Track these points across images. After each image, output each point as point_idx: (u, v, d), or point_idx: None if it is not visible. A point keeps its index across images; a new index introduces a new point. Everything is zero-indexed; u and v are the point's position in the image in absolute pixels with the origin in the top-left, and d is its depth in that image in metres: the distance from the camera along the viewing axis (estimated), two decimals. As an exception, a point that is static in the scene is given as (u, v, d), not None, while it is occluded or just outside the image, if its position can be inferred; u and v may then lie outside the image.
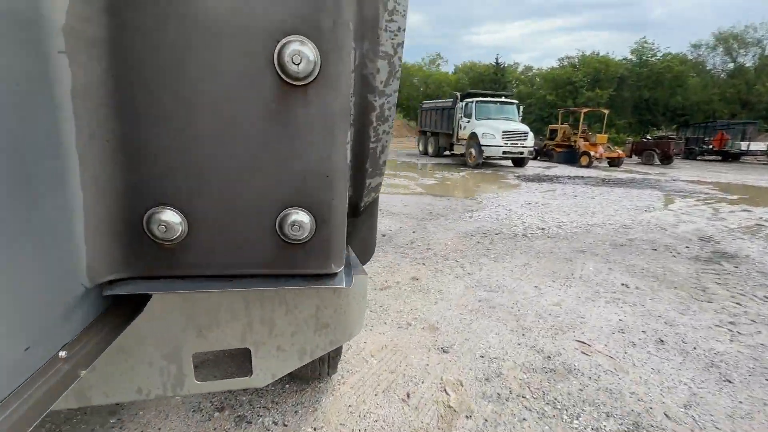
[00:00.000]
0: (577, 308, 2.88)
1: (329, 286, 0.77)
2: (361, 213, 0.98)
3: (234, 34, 0.60)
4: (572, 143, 16.45)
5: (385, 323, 2.56)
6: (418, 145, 19.13)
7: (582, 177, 11.69)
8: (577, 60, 38.81)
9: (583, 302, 2.99)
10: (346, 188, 0.75)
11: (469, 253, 4.13)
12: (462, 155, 14.74)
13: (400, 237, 4.64)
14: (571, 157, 16.13)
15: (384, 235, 4.67)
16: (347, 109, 0.69)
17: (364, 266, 1.15)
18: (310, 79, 0.64)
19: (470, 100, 14.83)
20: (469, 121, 14.41)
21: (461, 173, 11.78)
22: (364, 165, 0.83)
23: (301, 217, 0.72)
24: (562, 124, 17.90)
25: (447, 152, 16.80)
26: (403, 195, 7.61)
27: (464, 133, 14.53)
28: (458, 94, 16.04)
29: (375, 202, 1.00)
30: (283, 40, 0.61)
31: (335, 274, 0.81)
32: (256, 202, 0.70)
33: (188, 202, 0.69)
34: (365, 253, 1.07)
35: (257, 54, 0.62)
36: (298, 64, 0.61)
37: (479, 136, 13.26)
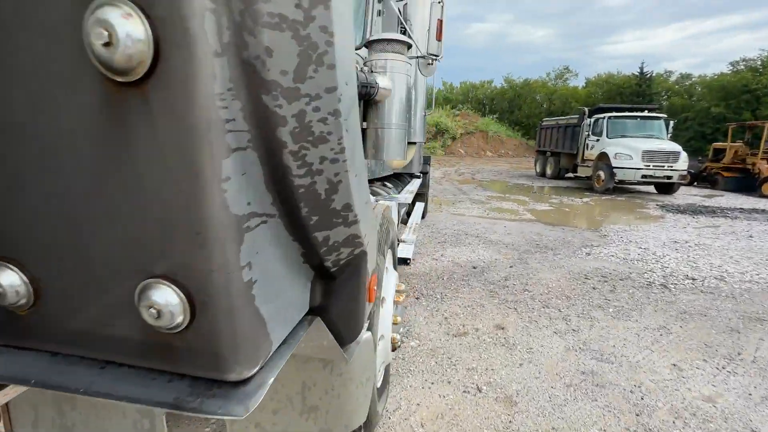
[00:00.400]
0: (744, 412, 1.94)
1: (216, 416, 0.48)
2: (335, 275, 0.67)
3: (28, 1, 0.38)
4: (748, 166, 12.81)
5: (449, 382, 2.11)
6: (536, 166, 17.54)
7: (763, 211, 8.86)
8: (759, 62, 30.62)
9: (758, 404, 2.01)
10: (238, 252, 0.45)
11: (579, 301, 3.32)
12: (587, 178, 12.95)
13: (492, 271, 4.05)
14: (746, 183, 12.59)
15: (474, 268, 4.15)
16: (218, 121, 0.40)
17: (356, 341, 0.82)
18: (143, 70, 0.37)
19: (601, 115, 13.01)
20: (598, 140, 12.63)
21: (584, 199, 10.17)
22: (298, 211, 0.52)
23: (164, 295, 0.45)
24: (732, 142, 14.13)
25: (569, 174, 14.96)
26: (508, 221, 6.83)
27: (591, 153, 12.77)
28: (586, 109, 14.22)
29: (359, 258, 0.67)
30: (95, 3, 0.36)
31: (245, 381, 0.51)
32: (105, 266, 0.46)
33: (30, 259, 0.49)
34: (349, 328, 0.74)
35: (60, 31, 0.38)
36: (108, 45, 0.35)
37: (610, 156, 11.39)
